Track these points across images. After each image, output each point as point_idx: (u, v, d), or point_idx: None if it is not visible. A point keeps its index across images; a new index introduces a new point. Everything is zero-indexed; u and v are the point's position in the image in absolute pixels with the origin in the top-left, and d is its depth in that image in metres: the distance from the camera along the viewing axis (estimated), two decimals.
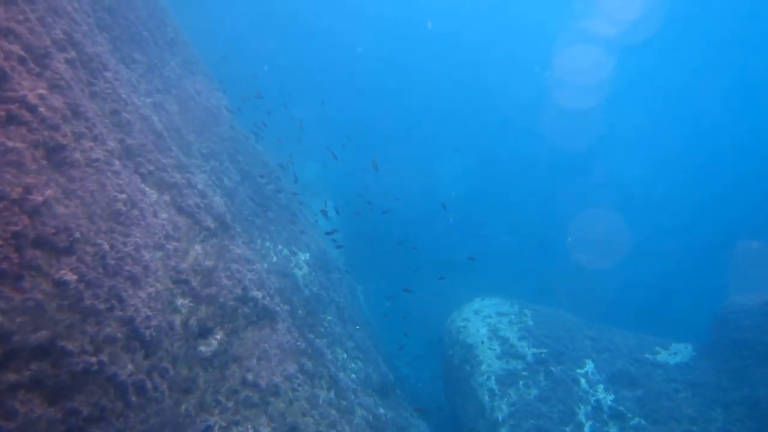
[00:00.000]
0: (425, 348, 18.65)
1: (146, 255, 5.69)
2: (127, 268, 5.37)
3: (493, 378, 12.97)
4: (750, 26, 31.95)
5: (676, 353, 13.20)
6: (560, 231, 23.30)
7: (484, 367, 13.19)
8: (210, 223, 7.44)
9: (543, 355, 13.35)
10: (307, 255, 11.93)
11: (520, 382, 12.82)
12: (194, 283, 6.64)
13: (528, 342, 13.74)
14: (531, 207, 25.21)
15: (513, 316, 14.64)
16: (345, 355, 11.22)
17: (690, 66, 32.69)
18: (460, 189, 24.35)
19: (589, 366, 13.19)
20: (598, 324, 14.76)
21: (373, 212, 14.92)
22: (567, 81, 26.98)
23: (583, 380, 12.86)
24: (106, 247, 5.14)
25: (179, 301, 6.46)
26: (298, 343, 8.58)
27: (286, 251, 11.27)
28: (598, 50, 27.38)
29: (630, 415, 11.95)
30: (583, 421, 11.99)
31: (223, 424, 6.55)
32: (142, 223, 5.77)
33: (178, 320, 6.28)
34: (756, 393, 10.66)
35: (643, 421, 11.82)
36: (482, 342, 13.09)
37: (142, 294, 5.60)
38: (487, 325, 14.36)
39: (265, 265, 9.75)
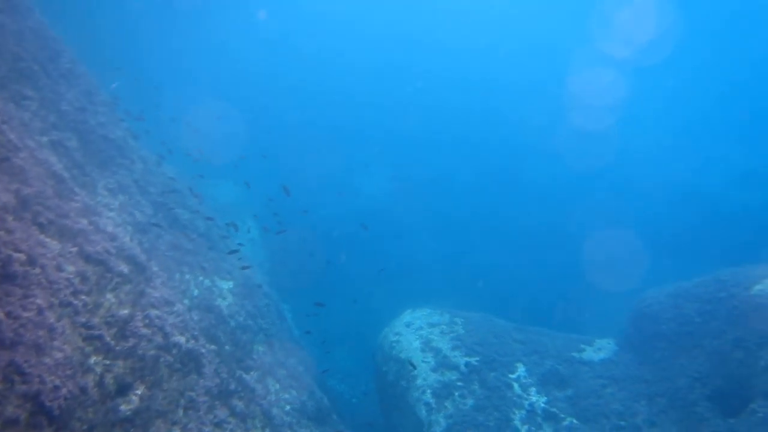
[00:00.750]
0: (357, 363, 18.45)
1: (51, 317, 5.12)
2: (28, 335, 4.80)
3: (428, 392, 12.95)
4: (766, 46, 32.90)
5: (600, 349, 13.72)
6: (486, 235, 23.84)
7: (419, 381, 13.15)
8: (123, 267, 6.87)
9: (476, 363, 13.50)
10: (231, 283, 11.41)
11: (456, 393, 12.89)
12: (108, 338, 6.09)
13: (461, 351, 13.84)
14: (459, 213, 25.64)
15: (444, 326, 14.71)
16: (278, 386, 10.81)
17: (707, 88, 33.26)
18: (382, 199, 24.41)
19: (521, 370, 13.45)
20: (526, 326, 15.10)
21: (294, 228, 14.57)
22: (582, 102, 27.11)
23: (516, 385, 13.10)
24: (1, 316, 4.56)
25: (92, 360, 5.89)
26: (228, 384, 8.13)
27: (207, 282, 10.72)
28: (612, 72, 27.76)
29: (563, 416, 12.28)
30: (519, 426, 12.20)
31: None
32: (44, 281, 5.19)
33: (91, 382, 5.72)
34: (675, 384, 11.23)
35: (575, 421, 12.18)
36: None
37: (47, 361, 5.03)
38: (419, 338, 14.34)
39: (186, 302, 9.19)
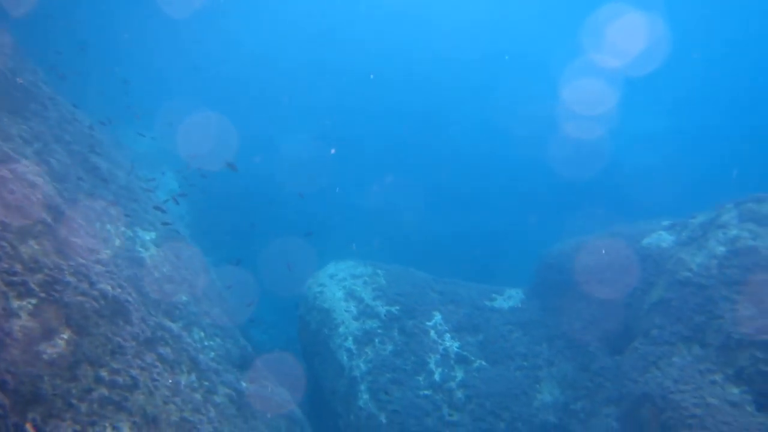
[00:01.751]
0: (280, 315, 18.85)
1: None
2: None
3: (350, 339, 13.59)
4: (751, 58, 33.95)
5: (510, 298, 14.81)
6: (410, 192, 24.50)
7: (341, 329, 13.75)
8: (44, 215, 6.80)
9: (396, 311, 14.24)
10: (153, 234, 11.36)
11: (376, 340, 13.60)
12: (32, 284, 6.11)
13: (382, 301, 14.52)
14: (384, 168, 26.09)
15: (367, 278, 15.32)
16: (203, 334, 11.03)
17: (696, 98, 34.10)
18: (308, 157, 24.46)
19: (437, 318, 14.33)
20: (444, 278, 15.97)
21: (217, 183, 14.48)
22: (574, 112, 27.23)
23: (432, 331, 13.97)
24: None
25: (15, 305, 5.92)
26: (155, 332, 8.29)
27: (129, 233, 10.64)
28: (603, 82, 27.94)
29: (473, 359, 13.31)
30: (434, 368, 13.12)
31: (77, 428, 6.23)
32: None
33: (16, 326, 5.78)
34: (572, 326, 12.43)
35: (484, 362, 13.24)
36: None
37: None
38: (342, 289, 14.89)
39: (109, 252, 9.15)
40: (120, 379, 6.91)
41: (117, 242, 9.98)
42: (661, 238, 11.39)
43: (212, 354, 10.65)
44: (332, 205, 24.50)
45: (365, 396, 12.62)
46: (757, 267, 8.87)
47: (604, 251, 12.48)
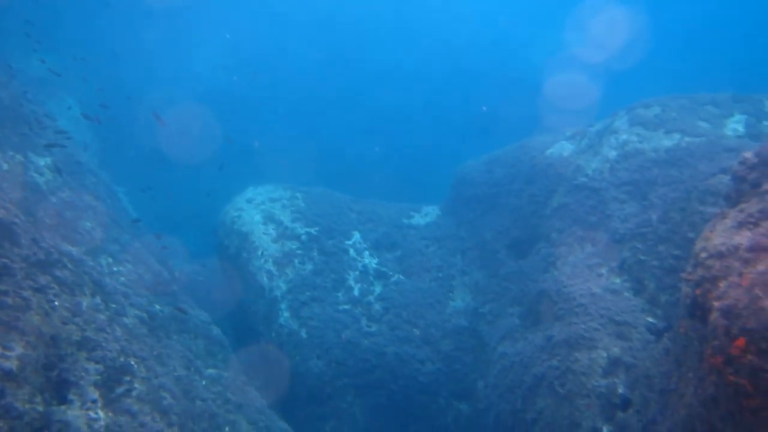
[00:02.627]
0: (201, 243, 18.60)
1: None
2: None
3: (270, 260, 13.65)
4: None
5: (426, 215, 15.18)
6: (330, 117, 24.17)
7: (260, 252, 13.77)
8: None
9: (315, 232, 14.35)
10: (48, 159, 10.75)
11: (296, 260, 13.73)
12: None
13: (301, 223, 14.57)
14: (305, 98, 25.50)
15: (285, 201, 15.26)
16: (110, 260, 10.77)
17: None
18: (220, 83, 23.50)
19: (356, 236, 14.56)
20: (363, 198, 16.12)
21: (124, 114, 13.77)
22: (556, 106, 26.37)
23: (351, 250, 14.22)
24: None
25: None
26: (50, 255, 8.00)
27: (19, 157, 10.02)
28: (585, 76, 27.06)
29: (391, 273, 13.71)
30: (353, 284, 13.45)
31: None
32: None
33: None
34: (483, 237, 12.95)
35: (401, 276, 13.68)
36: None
37: None
38: (261, 212, 14.79)
39: None
40: (8, 300, 6.69)
41: (5, 166, 9.40)
42: (563, 147, 11.85)
43: (122, 279, 10.45)
44: (254, 133, 23.89)
45: (286, 314, 12.86)
46: (642, 168, 9.43)
47: (512, 163, 12.89)
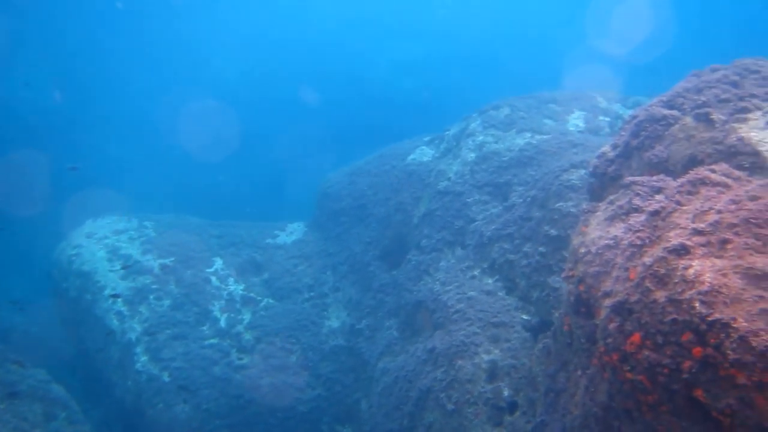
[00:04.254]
0: (34, 288, 16.26)
1: None
2: None
3: (119, 300, 12.15)
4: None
5: (292, 232, 14.51)
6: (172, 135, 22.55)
7: (107, 291, 12.22)
8: None
9: (170, 263, 13.05)
10: None
11: (151, 297, 12.37)
12: None
13: (153, 254, 13.19)
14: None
15: (133, 232, 13.77)
16: None
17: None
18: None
19: (218, 263, 13.49)
20: (222, 221, 15.06)
21: None
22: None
23: (213, 278, 13.13)
24: None
25: None
26: None
27: None
28: (606, 69, 25.79)
29: (259, 298, 12.85)
30: (219, 315, 12.39)
31: None
32: None
33: None
34: (353, 250, 12.57)
35: (271, 300, 12.87)
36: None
37: None
38: (104, 247, 13.19)
39: None
40: None
41: None
42: (423, 152, 11.88)
43: None
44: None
45: (143, 358, 11.49)
46: (500, 168, 9.65)
47: (375, 172, 12.70)
